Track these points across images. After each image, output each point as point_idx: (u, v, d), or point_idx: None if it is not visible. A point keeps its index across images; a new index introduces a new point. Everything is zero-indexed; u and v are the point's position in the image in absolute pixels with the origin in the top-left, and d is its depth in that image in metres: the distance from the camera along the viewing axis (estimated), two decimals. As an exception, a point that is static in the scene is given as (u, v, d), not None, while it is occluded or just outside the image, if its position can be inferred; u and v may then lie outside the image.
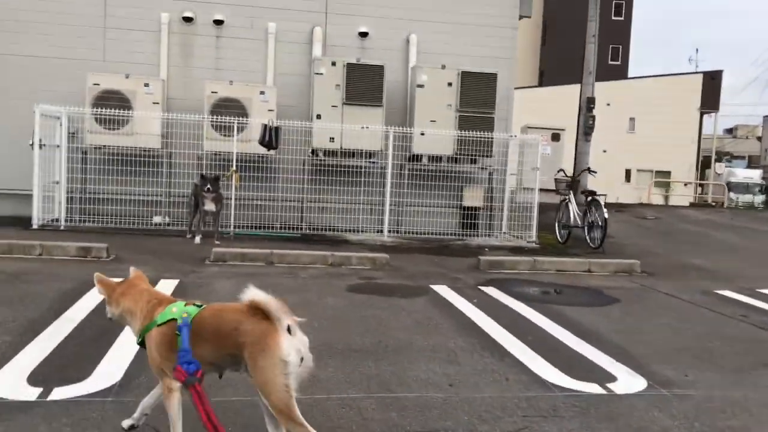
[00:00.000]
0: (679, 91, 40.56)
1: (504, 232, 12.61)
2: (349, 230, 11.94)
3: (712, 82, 41.81)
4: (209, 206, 10.49)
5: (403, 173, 12.17)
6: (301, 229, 11.95)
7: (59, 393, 3.98)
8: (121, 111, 11.30)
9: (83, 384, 4.15)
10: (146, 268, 6.30)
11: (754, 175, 43.11)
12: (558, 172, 12.67)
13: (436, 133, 11.96)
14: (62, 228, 10.83)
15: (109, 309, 3.28)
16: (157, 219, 11.74)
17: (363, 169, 12.34)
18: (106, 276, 3.31)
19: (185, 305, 3.08)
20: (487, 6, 13.06)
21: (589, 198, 11.70)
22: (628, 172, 38.81)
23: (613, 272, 9.39)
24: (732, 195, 37.66)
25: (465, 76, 12.13)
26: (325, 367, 4.62)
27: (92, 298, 6.10)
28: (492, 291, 7.68)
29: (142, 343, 3.15)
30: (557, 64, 44.71)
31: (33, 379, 4.19)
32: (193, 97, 12.23)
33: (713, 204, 32.91)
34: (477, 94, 12.19)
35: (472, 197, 12.83)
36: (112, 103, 11.38)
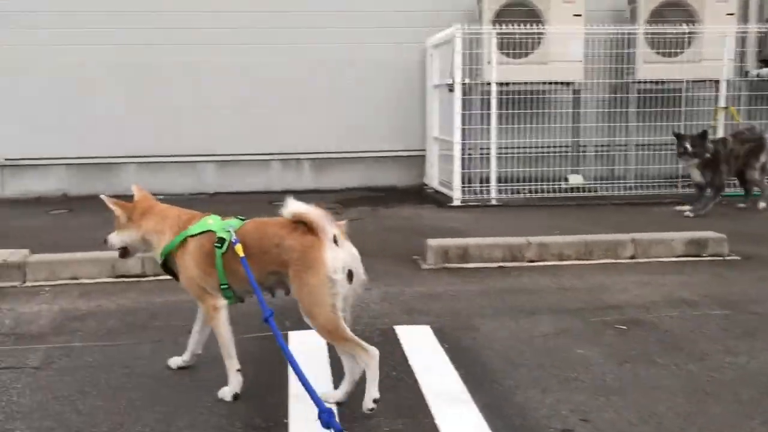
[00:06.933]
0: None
1: None
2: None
3: None
4: (694, 174, 7.06)
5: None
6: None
7: None
8: (531, 29, 7.84)
9: None
10: None
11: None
12: None
13: None
14: (494, 203, 7.54)
15: (124, 233, 3.03)
16: (575, 179, 8.38)
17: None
18: None
19: (222, 219, 2.88)
20: None
21: None
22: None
23: None
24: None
25: None
26: None
27: None
28: None
29: (164, 265, 2.98)
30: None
31: None
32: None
33: None
34: None
35: None
36: (517, 19, 7.91)
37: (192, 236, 2.85)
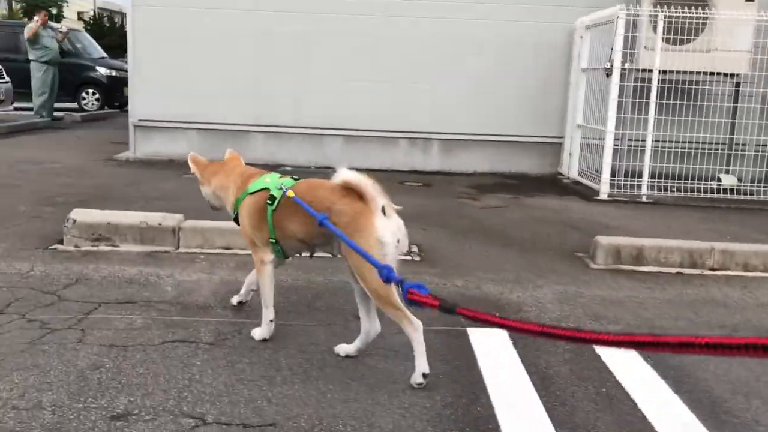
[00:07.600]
0: None
1: None
2: None
3: None
4: None
5: None
6: None
7: None
8: (698, 13, 7.18)
9: None
10: None
11: None
12: None
13: None
14: (644, 199, 7.00)
15: (202, 190, 3.34)
16: (728, 179, 7.70)
17: None
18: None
19: (280, 177, 3.02)
20: None
21: None
22: None
23: None
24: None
25: None
26: None
27: None
28: None
29: (236, 219, 3.14)
30: None
31: None
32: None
33: None
34: None
35: None
36: (680, 2, 7.27)
37: (251, 194, 3.01)
